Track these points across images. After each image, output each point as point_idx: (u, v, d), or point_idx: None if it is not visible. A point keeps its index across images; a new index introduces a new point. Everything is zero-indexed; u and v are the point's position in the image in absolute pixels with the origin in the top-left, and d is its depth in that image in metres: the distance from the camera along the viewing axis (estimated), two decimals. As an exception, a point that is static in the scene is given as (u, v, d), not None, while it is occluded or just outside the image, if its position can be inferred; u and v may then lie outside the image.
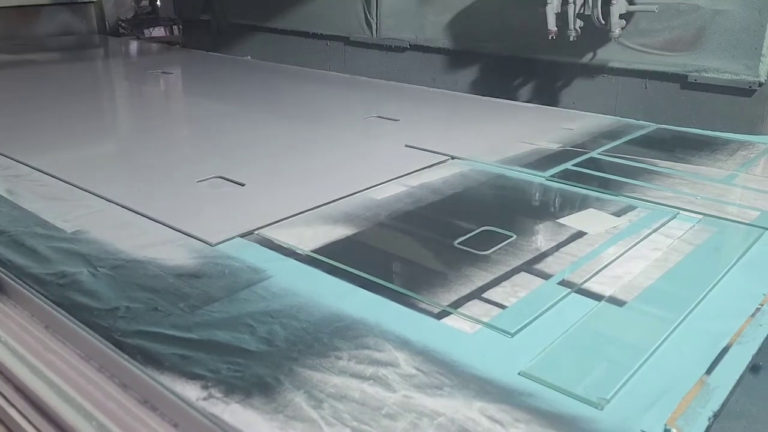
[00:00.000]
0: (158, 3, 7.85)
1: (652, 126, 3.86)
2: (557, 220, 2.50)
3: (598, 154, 3.30)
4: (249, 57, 6.31)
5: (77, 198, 2.66)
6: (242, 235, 2.30)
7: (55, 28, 7.38)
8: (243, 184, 2.81)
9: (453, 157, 3.22)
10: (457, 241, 2.29)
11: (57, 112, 4.15)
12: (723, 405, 1.47)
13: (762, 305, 1.88)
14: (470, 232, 2.36)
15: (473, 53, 4.72)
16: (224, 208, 2.60)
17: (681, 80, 3.89)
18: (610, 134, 3.68)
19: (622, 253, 2.20)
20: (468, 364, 1.58)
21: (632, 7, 3.83)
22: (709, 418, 1.42)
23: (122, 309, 1.80)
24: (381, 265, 2.23)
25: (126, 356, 1.58)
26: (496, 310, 1.84)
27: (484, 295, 1.92)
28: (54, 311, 1.78)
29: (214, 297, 1.88)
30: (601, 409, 1.44)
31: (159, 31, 7.94)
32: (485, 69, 4.69)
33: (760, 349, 1.68)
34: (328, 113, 4.31)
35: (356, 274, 2.03)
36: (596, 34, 3.98)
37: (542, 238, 2.35)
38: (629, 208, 2.59)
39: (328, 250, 2.22)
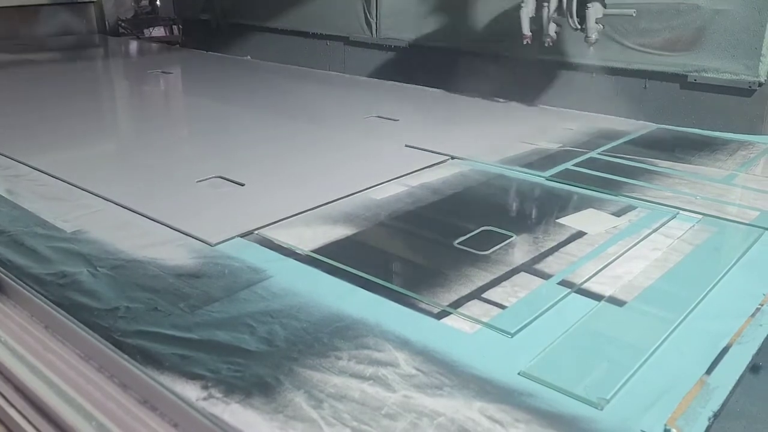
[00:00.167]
0: (158, 3, 7.84)
1: (652, 126, 3.87)
2: (557, 220, 2.49)
3: (598, 154, 3.30)
4: (249, 57, 6.30)
5: (77, 198, 2.66)
6: (242, 235, 2.30)
7: (55, 28, 7.37)
8: (243, 184, 2.81)
9: (453, 157, 3.22)
10: (457, 241, 2.29)
11: (57, 112, 4.15)
12: (723, 405, 1.47)
13: (762, 305, 1.88)
14: (470, 232, 2.36)
15: (473, 53, 4.71)
16: (224, 208, 2.60)
17: (681, 80, 3.88)
18: (610, 134, 3.68)
19: (622, 253, 2.20)
20: (468, 364, 1.58)
21: (608, 11, 3.78)
22: (709, 418, 1.42)
23: (122, 309, 1.80)
24: (381, 265, 2.23)
25: (126, 356, 1.58)
26: (496, 310, 1.84)
27: (484, 295, 1.92)
28: (54, 311, 1.78)
29: (214, 297, 1.88)
30: (601, 409, 1.44)
31: (159, 31, 7.93)
32: (485, 69, 4.68)
33: (760, 349, 1.68)
34: (328, 113, 4.31)
35: (356, 274, 2.03)
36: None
37: (542, 238, 2.35)
38: (629, 208, 2.59)
39: (327, 250, 2.22)
